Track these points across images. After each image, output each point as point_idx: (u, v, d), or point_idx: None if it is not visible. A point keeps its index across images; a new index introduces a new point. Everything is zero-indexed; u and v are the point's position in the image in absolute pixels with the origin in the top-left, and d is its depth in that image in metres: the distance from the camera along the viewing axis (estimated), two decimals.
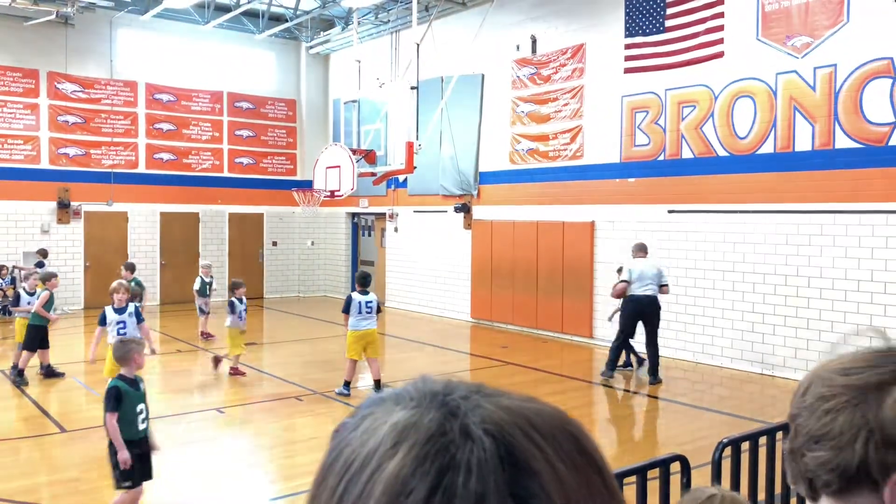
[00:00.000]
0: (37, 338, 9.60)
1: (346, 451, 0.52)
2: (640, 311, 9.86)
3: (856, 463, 0.96)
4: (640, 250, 10.12)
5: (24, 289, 10.24)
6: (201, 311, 13.17)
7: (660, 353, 10.05)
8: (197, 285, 13.37)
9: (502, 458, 0.49)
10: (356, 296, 9.17)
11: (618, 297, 10.07)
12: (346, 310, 9.17)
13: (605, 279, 12.19)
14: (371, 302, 9.15)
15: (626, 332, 9.97)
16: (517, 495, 0.48)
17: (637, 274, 9.79)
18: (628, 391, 9.73)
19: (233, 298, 10.20)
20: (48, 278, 9.89)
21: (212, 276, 13.29)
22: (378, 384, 9.17)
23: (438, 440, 0.50)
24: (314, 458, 6.75)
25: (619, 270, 10.18)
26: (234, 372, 10.11)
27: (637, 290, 9.78)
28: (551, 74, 13.74)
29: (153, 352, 7.46)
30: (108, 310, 7.91)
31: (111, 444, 5.00)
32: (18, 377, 9.55)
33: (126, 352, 5.14)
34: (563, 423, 0.54)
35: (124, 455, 4.92)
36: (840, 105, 9.71)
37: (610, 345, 10.30)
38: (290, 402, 8.92)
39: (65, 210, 16.54)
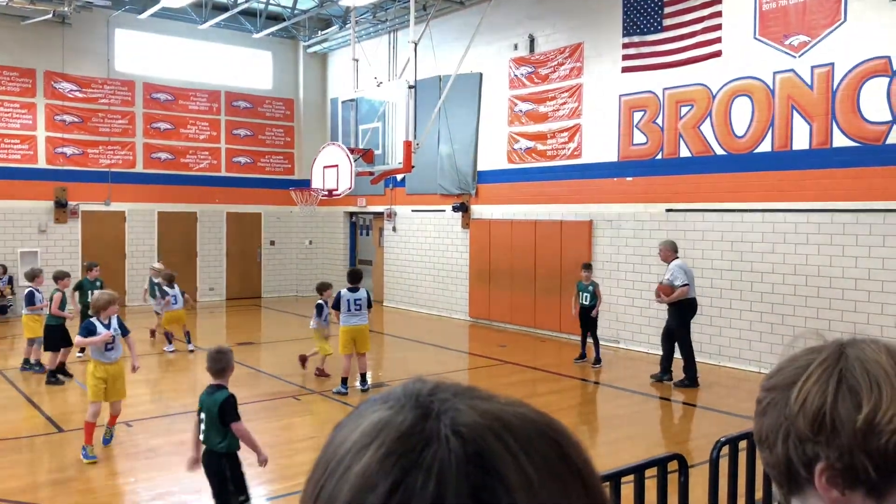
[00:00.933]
0: (57, 337, 9.69)
1: (331, 446, 0.54)
2: (694, 314, 9.83)
3: (783, 461, 0.96)
4: (675, 249, 9.99)
5: (35, 288, 10.25)
6: (156, 312, 12.78)
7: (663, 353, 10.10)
8: (146, 285, 13.27)
9: (469, 461, 0.49)
10: (345, 293, 9.22)
11: (675, 300, 9.64)
12: (336, 306, 9.22)
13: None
14: (360, 299, 9.19)
15: (687, 337, 9.73)
16: (480, 499, 0.48)
17: (691, 274, 9.74)
18: (626, 390, 9.73)
19: (321, 301, 10.09)
20: (61, 276, 10.02)
21: (161, 277, 12.72)
22: (364, 377, 9.29)
23: (407, 440, 0.50)
24: (312, 457, 6.72)
25: (666, 281, 9.76)
26: (320, 373, 10.12)
27: (692, 292, 9.70)
28: (549, 73, 13.74)
29: (134, 369, 7.23)
30: (97, 323, 6.85)
31: (212, 459, 4.76)
32: (52, 377, 9.60)
33: (228, 362, 4.96)
34: (544, 428, 0.54)
35: (263, 455, 4.93)
36: (837, 104, 9.72)
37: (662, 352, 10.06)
38: (287, 401, 8.92)
39: (62, 210, 16.52)
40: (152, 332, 12.84)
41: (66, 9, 15.30)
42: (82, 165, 16.81)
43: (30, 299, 10.14)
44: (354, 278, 9.38)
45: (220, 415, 4.74)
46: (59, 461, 6.87)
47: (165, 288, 11.94)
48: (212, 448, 4.78)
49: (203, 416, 4.79)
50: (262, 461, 4.95)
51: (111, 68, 17.06)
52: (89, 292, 10.51)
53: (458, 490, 0.47)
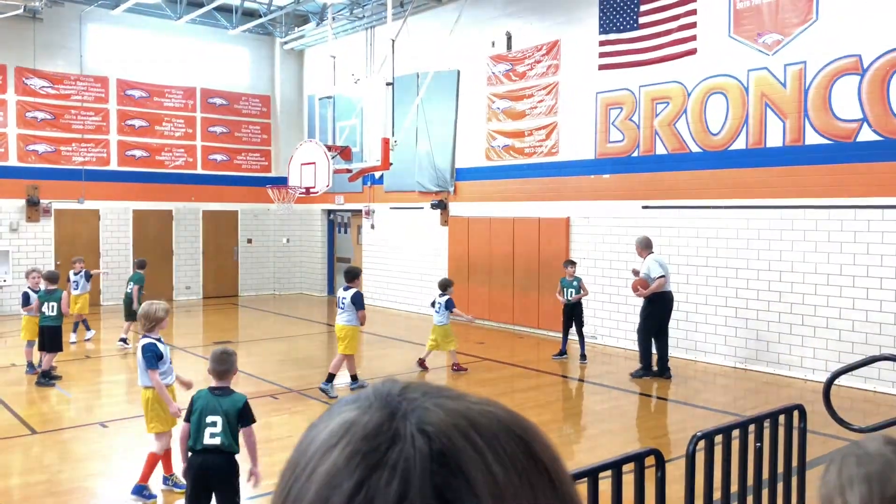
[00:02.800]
0: (51, 337, 9.53)
1: (301, 446, 0.55)
2: (670, 309, 10.04)
3: None
4: (649, 246, 10.17)
5: (28, 288, 10.06)
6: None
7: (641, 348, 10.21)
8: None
9: (434, 459, 0.49)
10: (339, 291, 9.38)
11: (653, 291, 9.86)
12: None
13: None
14: (345, 297, 9.16)
15: (651, 330, 9.96)
16: (445, 497, 0.48)
17: (666, 268, 9.94)
18: (604, 385, 9.81)
19: (447, 298, 10.16)
20: (54, 278, 9.89)
21: (82, 272, 12.42)
22: (331, 377, 9.13)
23: (373, 439, 0.51)
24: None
25: (636, 272, 10.11)
26: (458, 367, 10.29)
27: (667, 286, 9.92)
28: (526, 71, 13.78)
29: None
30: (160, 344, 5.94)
31: (230, 463, 4.69)
32: (44, 378, 9.45)
33: (233, 363, 4.91)
34: (511, 426, 0.54)
35: (259, 467, 4.84)
36: (810, 101, 9.85)
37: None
38: (266, 400, 8.86)
39: (34, 208, 16.27)
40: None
41: (37, 4, 15.05)
42: (55, 163, 16.56)
43: (25, 300, 9.98)
44: (346, 276, 9.36)
45: (241, 417, 4.68)
46: (33, 463, 6.77)
47: (448, 298, 10.41)
48: (230, 451, 4.67)
49: (217, 419, 4.62)
50: (256, 474, 4.79)
51: (84, 64, 16.82)
52: (129, 284, 12.06)
53: (422, 488, 0.48)
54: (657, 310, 9.95)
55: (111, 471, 6.62)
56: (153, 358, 5.64)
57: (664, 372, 10.00)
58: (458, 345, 10.60)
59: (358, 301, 9.07)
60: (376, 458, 0.49)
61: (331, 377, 9.16)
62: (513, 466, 0.51)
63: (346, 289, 9.23)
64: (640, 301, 10.27)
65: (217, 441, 4.59)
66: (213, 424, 4.60)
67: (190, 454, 4.69)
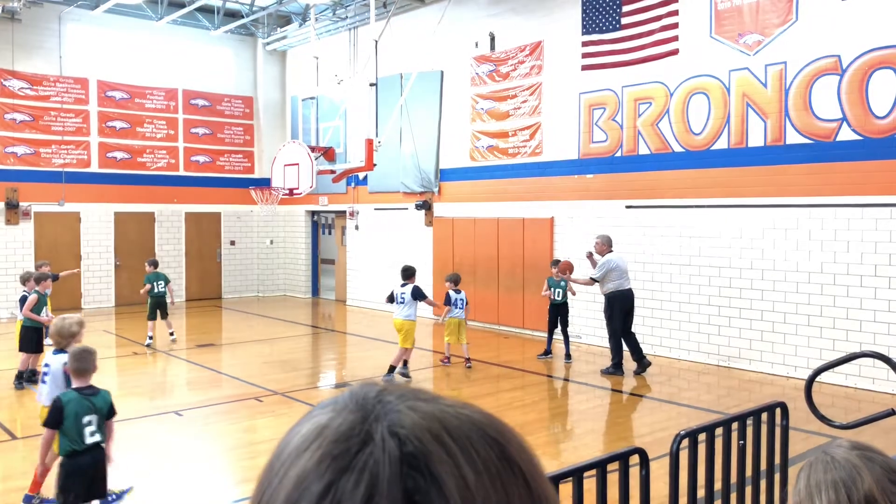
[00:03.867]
0: (32, 339, 9.39)
1: (277, 450, 0.55)
2: (630, 306, 10.21)
3: None
4: (610, 244, 10.35)
5: (24, 290, 9.94)
6: None
7: (626, 347, 10.29)
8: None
9: (404, 462, 0.49)
10: (396, 288, 9.99)
11: (575, 283, 10.52)
12: (390, 300, 10.00)
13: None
14: (404, 293, 9.83)
15: (617, 327, 10.15)
16: (414, 501, 0.48)
17: (619, 268, 10.12)
18: (588, 385, 9.84)
19: (412, 287, 10.11)
20: (29, 279, 9.70)
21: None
22: (392, 369, 9.83)
23: (344, 443, 0.51)
24: None
25: (591, 256, 10.39)
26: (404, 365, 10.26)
27: (624, 284, 10.14)
28: (510, 71, 13.81)
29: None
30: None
31: (102, 455, 4.91)
32: (17, 380, 9.37)
33: (93, 362, 4.96)
34: (486, 429, 0.54)
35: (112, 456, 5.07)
36: (790, 101, 9.95)
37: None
38: (250, 403, 8.82)
39: (13, 211, 16.08)
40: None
41: (15, 4, 14.88)
42: (34, 165, 16.38)
43: (23, 304, 9.86)
44: (403, 274, 10.06)
45: (110, 412, 4.96)
46: (13, 469, 6.69)
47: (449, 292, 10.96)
48: (102, 444, 4.91)
49: (93, 417, 4.80)
50: (110, 458, 5.02)
51: (63, 66, 16.64)
52: (154, 284, 12.29)
53: (391, 491, 0.48)
54: (616, 309, 10.14)
55: None
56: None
57: (643, 364, 10.13)
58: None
59: (419, 294, 9.83)
60: (346, 461, 0.49)
61: (391, 369, 9.82)
62: (485, 469, 0.51)
63: (403, 286, 9.92)
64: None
65: (97, 438, 4.83)
66: (90, 424, 4.78)
67: (69, 458, 4.75)
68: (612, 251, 10.29)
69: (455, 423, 0.53)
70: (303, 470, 0.50)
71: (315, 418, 0.55)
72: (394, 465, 0.49)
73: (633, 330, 10.29)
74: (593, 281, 10.22)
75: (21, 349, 9.50)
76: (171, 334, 12.59)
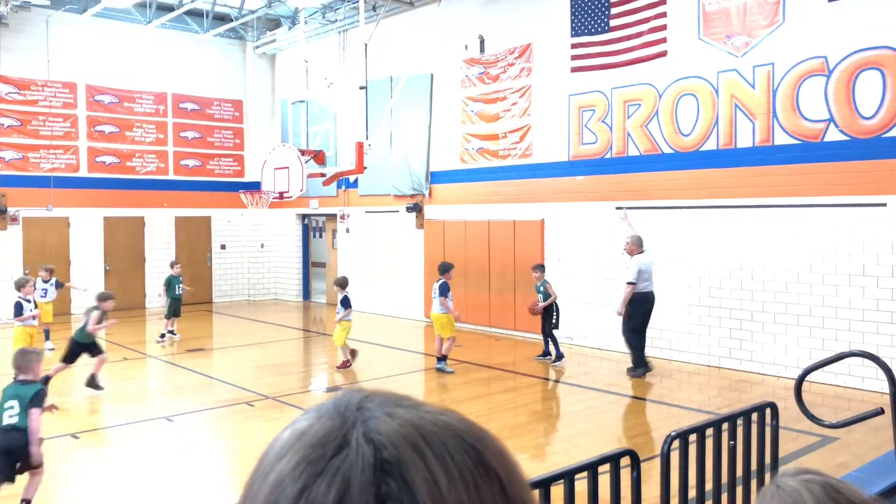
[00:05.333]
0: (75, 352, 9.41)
1: (262, 454, 0.57)
2: (650, 308, 10.14)
3: None
4: (641, 245, 10.25)
5: (24, 298, 9.93)
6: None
7: (618, 348, 10.32)
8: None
9: (378, 468, 0.50)
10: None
11: (627, 300, 10.06)
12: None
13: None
14: (435, 288, 10.54)
15: (635, 327, 10.07)
16: None
17: (648, 270, 10.09)
18: (580, 386, 9.86)
19: (343, 295, 10.96)
20: (23, 286, 9.96)
21: (53, 280, 12.44)
22: (443, 357, 10.49)
23: (321, 448, 0.52)
24: None
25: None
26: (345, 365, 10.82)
27: (648, 286, 10.08)
28: (500, 74, 13.83)
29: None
30: None
31: (23, 436, 5.43)
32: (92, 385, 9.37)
33: (29, 362, 5.75)
34: (463, 435, 0.54)
35: (39, 453, 5.56)
36: (778, 102, 10.01)
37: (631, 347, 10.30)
38: (241, 407, 8.79)
39: (2, 216, 15.98)
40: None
41: (2, 9, 14.80)
42: (22, 170, 16.29)
43: (18, 310, 9.79)
44: (439, 270, 10.68)
45: (32, 400, 5.48)
46: None
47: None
48: (24, 427, 5.45)
49: (15, 403, 5.46)
50: (34, 453, 5.42)
51: (51, 70, 16.56)
52: (176, 286, 13.22)
53: (363, 496, 0.48)
54: (636, 310, 10.04)
55: (84, 483, 6.51)
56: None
57: (642, 364, 10.14)
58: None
59: (442, 289, 10.41)
60: (321, 465, 0.51)
61: (443, 357, 10.51)
62: (459, 475, 0.51)
63: (437, 281, 10.57)
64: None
65: (14, 421, 5.44)
66: (11, 408, 5.47)
67: None
68: (642, 251, 10.20)
69: (432, 430, 0.53)
70: (280, 473, 0.52)
71: (297, 424, 0.56)
72: (367, 470, 0.50)
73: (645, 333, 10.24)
74: (633, 285, 10.00)
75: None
76: (174, 333, 13.34)
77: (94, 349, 9.46)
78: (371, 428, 0.52)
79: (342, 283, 11.18)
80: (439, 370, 10.48)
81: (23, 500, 5.52)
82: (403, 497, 0.49)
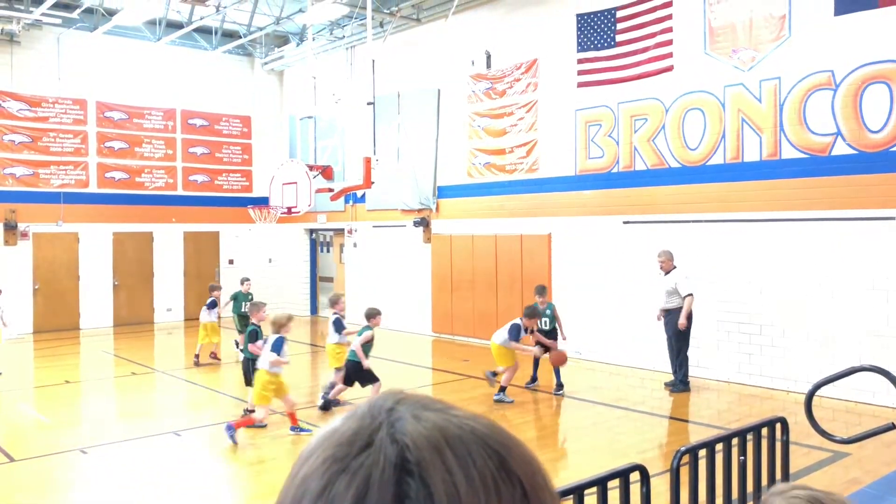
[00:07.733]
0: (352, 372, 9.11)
1: (300, 452, 0.59)
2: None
3: None
4: (673, 258, 10.18)
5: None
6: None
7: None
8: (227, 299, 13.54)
9: (398, 468, 0.51)
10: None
11: (686, 313, 9.91)
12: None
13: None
14: (507, 329, 9.84)
15: (687, 344, 10.02)
16: None
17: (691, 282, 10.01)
18: (587, 401, 9.81)
19: (335, 316, 9.79)
20: (370, 315, 9.27)
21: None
22: (501, 389, 9.78)
23: (347, 447, 0.54)
24: (276, 477, 6.64)
25: (671, 289, 10.06)
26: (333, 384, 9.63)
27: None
28: (506, 89, 13.89)
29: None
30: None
31: None
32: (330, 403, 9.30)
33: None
34: (488, 440, 0.55)
35: None
36: (785, 116, 10.01)
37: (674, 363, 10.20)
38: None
39: (12, 231, 16.09)
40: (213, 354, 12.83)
41: (14, 27, 14.98)
42: (33, 186, 16.42)
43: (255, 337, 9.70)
44: (526, 312, 10.03)
45: None
46: (9, 490, 6.65)
47: None
48: None
49: None
50: None
51: (62, 87, 16.73)
52: (243, 303, 13.06)
53: (381, 495, 0.50)
54: (690, 324, 9.97)
55: (92, 499, 6.51)
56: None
57: (684, 384, 10.12)
58: (449, 364, 10.53)
59: (512, 332, 9.74)
60: (344, 463, 0.52)
61: (501, 389, 9.78)
62: (480, 479, 0.52)
63: (513, 321, 9.94)
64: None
65: None
66: None
67: None
68: (675, 266, 10.12)
69: (456, 433, 0.54)
70: (309, 470, 0.54)
71: (332, 424, 0.58)
72: (388, 469, 0.51)
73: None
74: (691, 297, 9.91)
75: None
76: (238, 345, 12.85)
77: (368, 377, 8.98)
78: (397, 429, 0.54)
79: (333, 301, 10.06)
80: (498, 401, 9.70)
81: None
82: (421, 497, 0.50)
